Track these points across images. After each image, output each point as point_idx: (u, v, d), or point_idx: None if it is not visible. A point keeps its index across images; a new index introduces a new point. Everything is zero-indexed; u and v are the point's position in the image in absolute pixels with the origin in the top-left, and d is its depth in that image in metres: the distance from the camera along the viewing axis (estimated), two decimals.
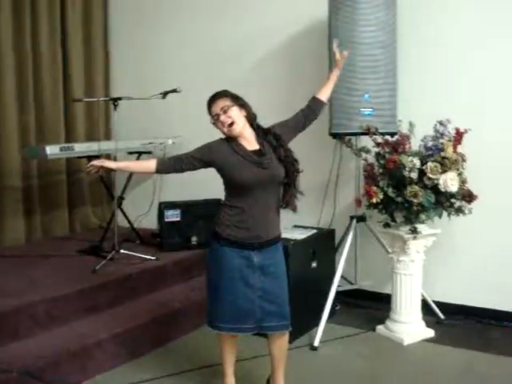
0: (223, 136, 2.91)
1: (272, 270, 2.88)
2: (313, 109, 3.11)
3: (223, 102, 2.85)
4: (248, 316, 2.86)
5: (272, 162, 2.83)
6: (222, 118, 2.83)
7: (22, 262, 4.52)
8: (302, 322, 3.97)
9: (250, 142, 2.88)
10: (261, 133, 2.93)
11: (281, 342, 3.01)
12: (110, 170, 3.09)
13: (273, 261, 2.90)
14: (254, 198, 2.81)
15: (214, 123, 2.89)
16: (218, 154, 2.85)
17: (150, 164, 2.96)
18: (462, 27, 4.16)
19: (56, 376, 3.17)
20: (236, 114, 2.85)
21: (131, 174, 5.15)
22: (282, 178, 2.87)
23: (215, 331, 2.95)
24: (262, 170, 2.80)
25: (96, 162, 2.97)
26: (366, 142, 4.05)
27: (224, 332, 2.94)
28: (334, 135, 4.10)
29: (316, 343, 3.82)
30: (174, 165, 2.92)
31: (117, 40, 5.99)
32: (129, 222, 5.15)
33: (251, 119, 2.92)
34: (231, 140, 2.87)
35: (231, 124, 2.83)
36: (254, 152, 2.85)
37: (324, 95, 3.15)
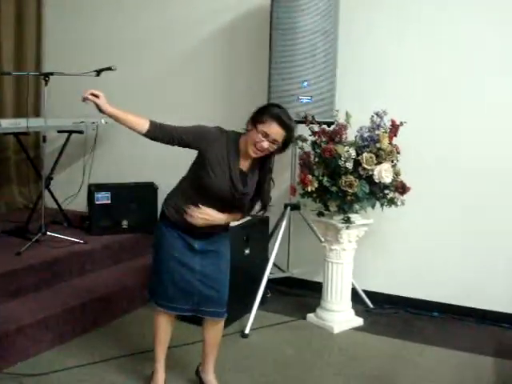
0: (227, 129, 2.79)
1: (213, 256, 2.86)
2: None
3: (280, 136, 2.64)
4: (185, 297, 2.84)
5: (245, 198, 2.75)
6: (265, 144, 2.62)
7: None
8: (233, 309, 3.89)
9: (245, 163, 2.74)
10: (266, 169, 2.77)
11: (216, 329, 2.99)
12: (99, 109, 2.65)
13: (215, 247, 2.87)
14: (212, 204, 2.73)
15: (248, 129, 2.70)
16: (211, 150, 2.67)
17: (143, 123, 2.66)
18: (402, 17, 4.20)
19: None
20: (272, 149, 2.67)
21: (61, 153, 4.97)
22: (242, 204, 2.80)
23: (153, 306, 2.92)
24: (231, 195, 2.71)
25: (91, 95, 2.62)
26: (302, 130, 4.04)
27: (161, 308, 2.89)
28: None
29: (247, 330, 3.81)
30: (163, 137, 2.68)
31: (51, 12, 5.73)
32: (57, 203, 4.98)
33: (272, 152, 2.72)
34: (233, 144, 2.71)
35: (262, 151, 2.65)
36: (241, 173, 2.73)
37: None
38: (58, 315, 3.57)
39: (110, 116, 2.68)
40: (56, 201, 4.98)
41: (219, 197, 2.71)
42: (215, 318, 2.93)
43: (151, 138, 2.70)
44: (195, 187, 2.75)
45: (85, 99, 2.65)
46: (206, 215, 2.71)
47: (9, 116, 5.33)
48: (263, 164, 2.76)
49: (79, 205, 5.17)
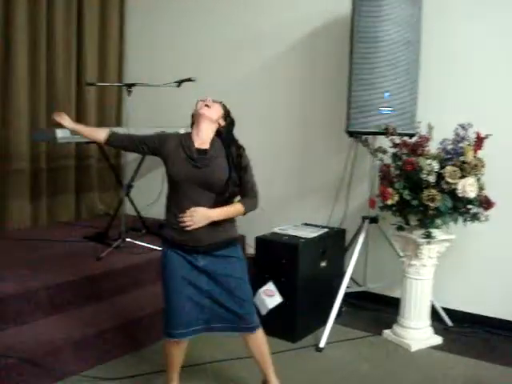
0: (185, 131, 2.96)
1: (222, 277, 2.80)
2: None
3: (213, 99, 2.91)
4: (196, 318, 2.80)
5: (210, 165, 2.75)
6: (207, 100, 2.85)
7: (26, 246, 4.46)
8: (307, 322, 3.92)
9: (203, 141, 2.81)
10: (225, 141, 2.85)
11: (253, 342, 2.93)
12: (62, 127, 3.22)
13: (223, 266, 2.80)
14: (190, 199, 2.72)
15: (194, 110, 2.89)
16: (165, 146, 2.81)
17: (101, 133, 2.98)
18: (490, 27, 4.05)
19: (56, 364, 3.12)
20: (216, 109, 2.87)
21: (141, 162, 5.08)
22: (220, 183, 2.74)
23: (166, 338, 2.88)
24: (195, 169, 2.73)
25: (57, 117, 3.14)
26: (382, 142, 3.97)
27: (175, 339, 2.83)
28: (351, 133, 4.01)
29: (321, 344, 3.75)
30: (122, 143, 2.96)
31: (132, 25, 5.93)
32: (136, 210, 5.08)
33: (224, 126, 2.88)
34: (186, 134, 2.87)
35: (207, 105, 2.83)
36: (199, 150, 2.78)
37: None
38: (136, 321, 3.66)
39: (74, 130, 3.20)
40: (135, 208, 5.07)
41: (185, 179, 2.72)
42: (241, 332, 2.90)
43: (113, 146, 3.05)
44: (171, 188, 2.81)
45: (53, 119, 3.17)
46: (196, 213, 2.69)
47: (92, 125, 5.50)
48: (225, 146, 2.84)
49: (158, 212, 5.25)
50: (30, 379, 2.99)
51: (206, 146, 2.80)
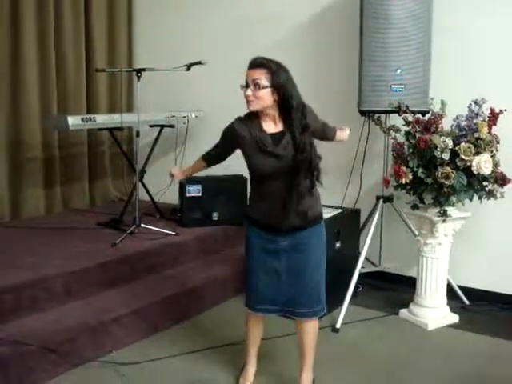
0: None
1: (301, 250, 2.73)
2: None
3: (256, 75, 2.56)
4: (272, 299, 2.78)
5: (286, 149, 2.59)
6: (248, 91, 2.57)
7: (41, 234, 4.48)
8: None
9: (270, 125, 2.64)
10: (290, 123, 2.60)
11: (305, 329, 2.87)
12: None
13: (304, 242, 2.73)
14: (271, 187, 2.65)
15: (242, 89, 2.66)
16: (237, 139, 2.65)
17: (202, 164, 3.04)
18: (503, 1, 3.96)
19: (73, 350, 3.13)
20: (263, 95, 2.56)
21: (153, 147, 5.08)
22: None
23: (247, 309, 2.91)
24: (276, 160, 2.59)
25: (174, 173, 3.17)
26: (395, 120, 3.92)
27: (252, 312, 2.87)
28: (363, 112, 3.96)
29: (338, 325, 3.75)
30: (218, 160, 2.98)
31: (141, 10, 5.89)
32: (150, 196, 5.09)
33: (286, 101, 2.58)
34: (251, 118, 2.65)
35: (249, 99, 2.59)
36: (273, 135, 2.61)
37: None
38: (151, 306, 3.66)
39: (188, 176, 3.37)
40: (149, 193, 5.08)
41: (270, 172, 2.61)
42: (304, 319, 2.83)
43: (213, 164, 3.03)
44: (253, 177, 2.74)
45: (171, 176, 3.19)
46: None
47: (103, 112, 5.50)
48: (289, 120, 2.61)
49: (171, 197, 5.26)
50: (48, 366, 3.00)
51: (281, 127, 2.65)
